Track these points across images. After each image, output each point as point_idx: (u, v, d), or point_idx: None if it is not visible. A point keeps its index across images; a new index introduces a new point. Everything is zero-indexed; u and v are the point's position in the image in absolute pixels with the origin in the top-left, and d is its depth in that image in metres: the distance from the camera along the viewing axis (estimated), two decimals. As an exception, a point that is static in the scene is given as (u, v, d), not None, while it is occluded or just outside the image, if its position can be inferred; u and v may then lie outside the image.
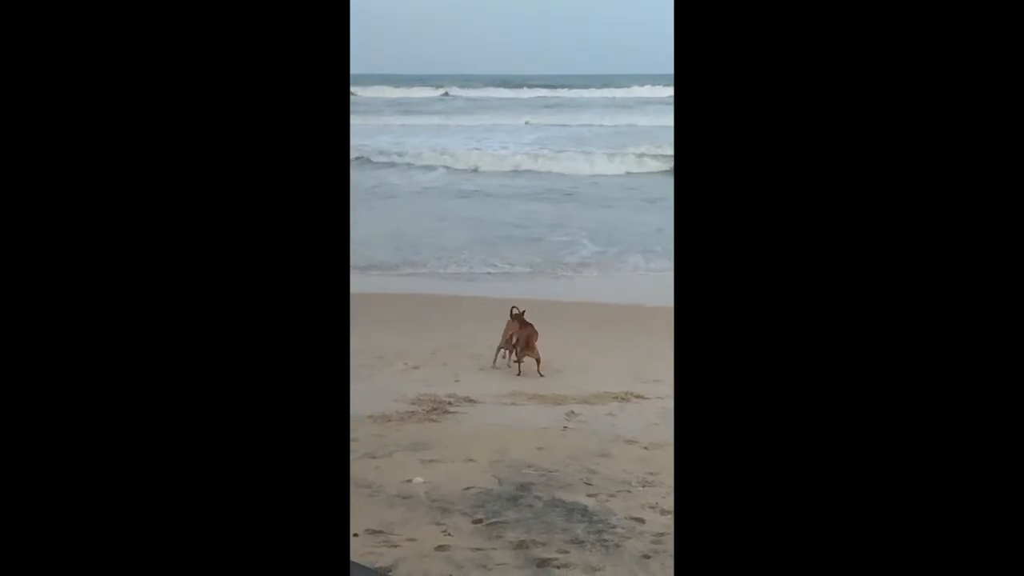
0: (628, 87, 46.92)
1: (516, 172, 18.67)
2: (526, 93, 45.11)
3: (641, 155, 19.26)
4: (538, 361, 6.22)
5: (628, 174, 18.19)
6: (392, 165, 19.36)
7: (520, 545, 3.40)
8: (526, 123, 29.31)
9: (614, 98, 41.80)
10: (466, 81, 54.21)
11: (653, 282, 9.07)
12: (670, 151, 19.19)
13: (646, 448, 4.61)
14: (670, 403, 5.38)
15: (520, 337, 6.23)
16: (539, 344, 6.24)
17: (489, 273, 9.76)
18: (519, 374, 6.19)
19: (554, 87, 49.28)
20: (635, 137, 23.47)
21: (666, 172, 18.03)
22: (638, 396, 5.64)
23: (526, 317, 6.37)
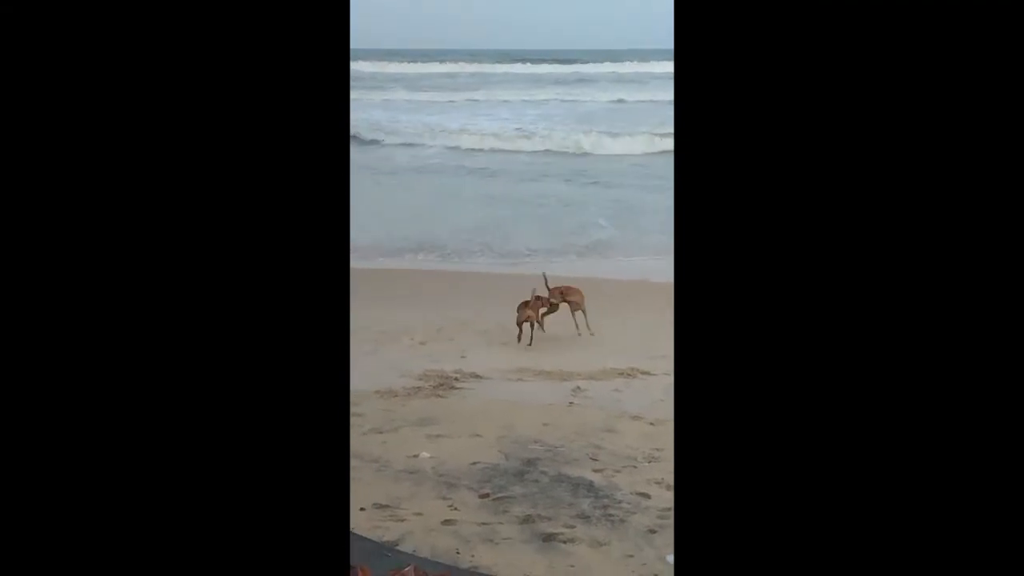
0: (640, 62, 46.47)
1: (519, 149, 18.45)
2: (532, 69, 44.67)
3: (651, 134, 18.89)
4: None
5: (640, 153, 17.75)
6: (381, 144, 18.99)
7: (526, 520, 3.42)
8: (538, 100, 28.99)
9: (624, 74, 41.44)
10: (472, 57, 53.67)
11: (660, 259, 9.05)
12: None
13: (652, 424, 4.62)
14: (676, 379, 5.27)
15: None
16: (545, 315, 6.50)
17: (495, 252, 9.69)
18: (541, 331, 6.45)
19: (564, 62, 48.74)
20: (643, 115, 23.34)
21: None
22: (644, 372, 5.64)
23: (538, 292, 6.53)
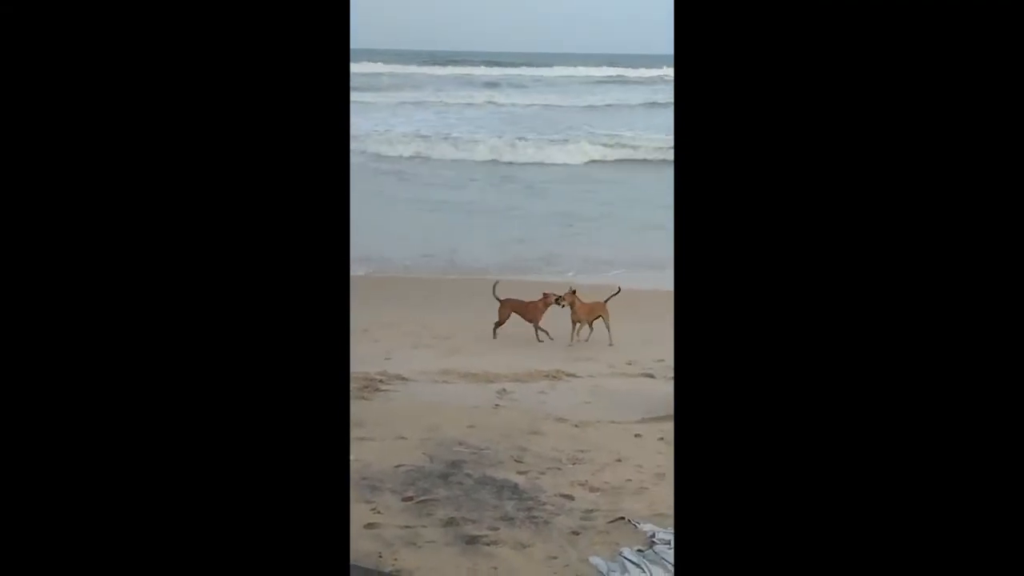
0: (565, 66, 46.62)
1: (442, 156, 17.82)
2: (453, 71, 44.11)
3: (583, 142, 18.50)
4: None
5: (568, 163, 17.34)
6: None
7: (450, 522, 3.39)
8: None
9: (553, 78, 41.50)
10: (397, 57, 52.92)
11: (589, 264, 9.13)
12: (603, 137, 18.96)
13: (576, 426, 4.64)
14: (600, 381, 5.41)
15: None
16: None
17: (441, 262, 9.47)
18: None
19: (491, 65, 48.38)
20: (570, 120, 23.44)
21: (600, 162, 17.33)
22: (569, 375, 5.68)
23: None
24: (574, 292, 6.61)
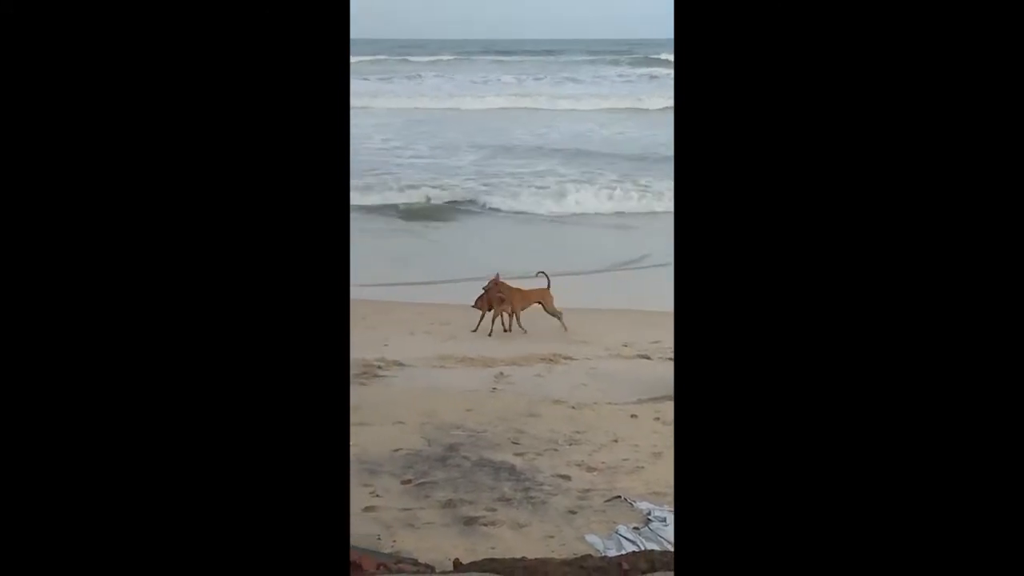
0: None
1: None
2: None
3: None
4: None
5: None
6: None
7: (448, 504, 3.43)
8: None
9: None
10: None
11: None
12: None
13: (573, 408, 4.68)
14: (596, 363, 5.43)
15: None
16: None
17: None
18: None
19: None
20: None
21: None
22: (566, 357, 5.71)
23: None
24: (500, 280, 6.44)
